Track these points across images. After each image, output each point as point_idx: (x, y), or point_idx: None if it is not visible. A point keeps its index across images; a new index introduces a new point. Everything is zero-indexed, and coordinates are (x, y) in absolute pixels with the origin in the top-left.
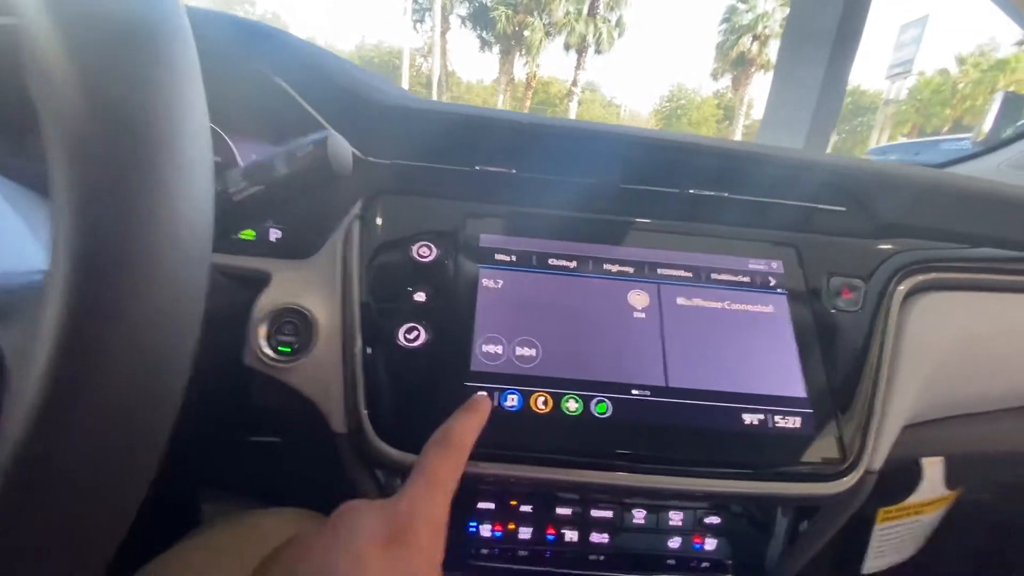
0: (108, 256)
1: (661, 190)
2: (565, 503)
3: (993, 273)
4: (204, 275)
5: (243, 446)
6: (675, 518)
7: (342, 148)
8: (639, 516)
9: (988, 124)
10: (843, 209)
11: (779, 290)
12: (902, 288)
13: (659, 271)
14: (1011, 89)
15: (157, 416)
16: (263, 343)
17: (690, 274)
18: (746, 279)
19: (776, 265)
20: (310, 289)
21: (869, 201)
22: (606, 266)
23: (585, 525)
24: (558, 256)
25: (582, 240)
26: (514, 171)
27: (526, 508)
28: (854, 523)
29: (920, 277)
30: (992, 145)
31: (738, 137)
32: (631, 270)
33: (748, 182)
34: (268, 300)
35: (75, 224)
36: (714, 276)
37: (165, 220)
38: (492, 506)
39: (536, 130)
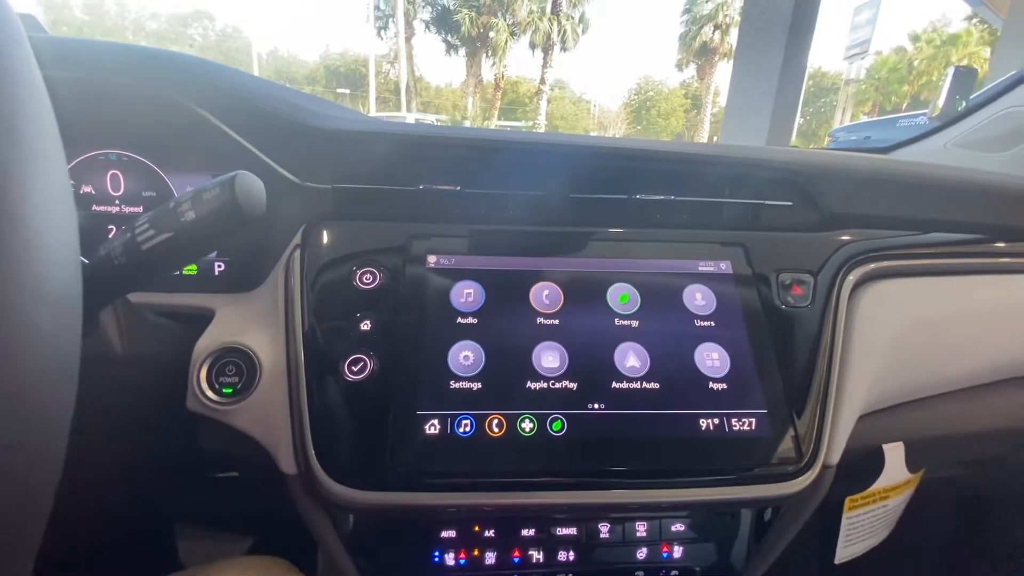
0: None
1: (609, 197)
2: (529, 524)
3: (941, 258)
4: (74, 345)
5: (209, 482)
6: (640, 529)
7: (253, 187)
8: (604, 530)
9: (942, 99)
10: (789, 204)
11: (729, 291)
12: (851, 279)
13: (609, 281)
14: (963, 63)
15: (24, 500)
16: (204, 386)
17: (641, 281)
18: (697, 282)
19: (725, 266)
20: (253, 325)
21: (814, 194)
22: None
23: (551, 544)
24: (507, 273)
25: (531, 254)
26: (459, 188)
27: (489, 532)
28: (822, 514)
29: (868, 267)
30: (947, 119)
31: (706, 124)
32: (581, 281)
33: (694, 184)
34: (209, 340)
35: None
36: (665, 281)
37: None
38: (454, 534)
39: (479, 145)
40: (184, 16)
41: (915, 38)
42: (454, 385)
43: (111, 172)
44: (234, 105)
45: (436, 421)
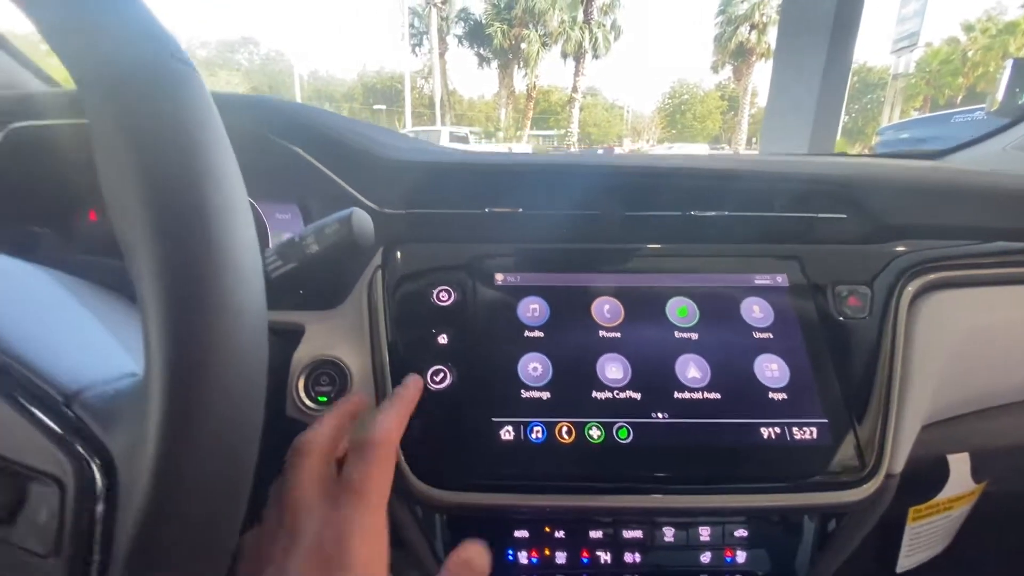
0: (194, 361)
1: (664, 214)
2: (597, 526)
3: (999, 267)
4: (265, 353)
5: None
6: (704, 533)
7: (366, 222)
8: (669, 534)
9: (1001, 93)
10: (843, 216)
11: (786, 303)
12: (909, 290)
13: (669, 295)
14: (1023, 52)
15: (240, 489)
16: (302, 394)
17: (699, 295)
18: (754, 295)
19: (781, 279)
20: (341, 339)
21: (868, 205)
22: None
23: (618, 546)
24: (570, 288)
25: (592, 270)
26: (521, 210)
27: (560, 533)
28: (885, 523)
29: (925, 278)
30: (1007, 114)
31: (744, 126)
32: (641, 296)
33: (747, 199)
34: (304, 353)
35: (165, 338)
36: (723, 295)
37: (236, 318)
38: (527, 534)
39: (538, 170)
40: (231, 43)
41: (968, 28)
42: (525, 394)
43: None
44: (320, 141)
45: (510, 428)
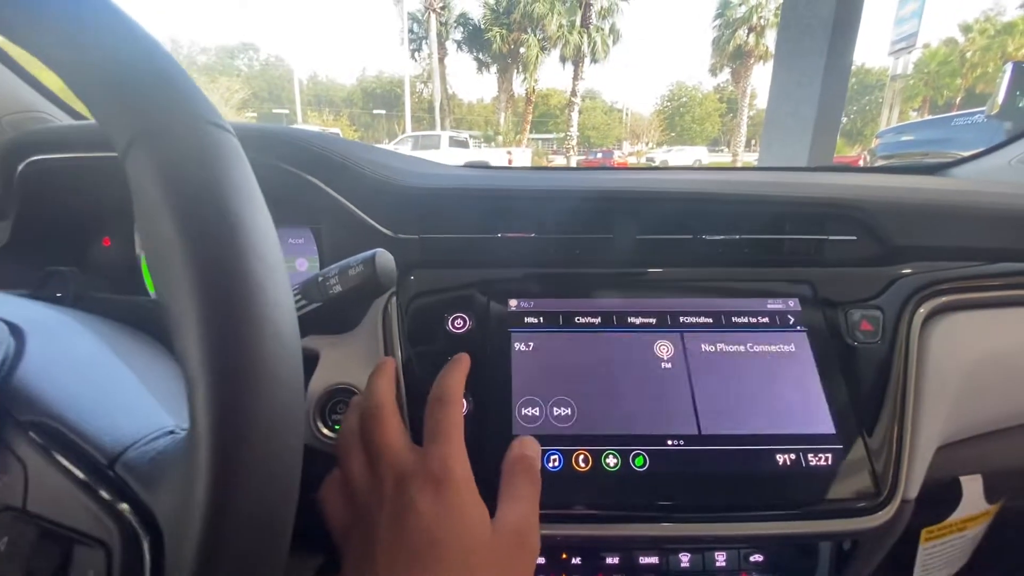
0: (239, 431)
1: (676, 238)
2: (613, 551)
3: (1011, 289)
4: (302, 412)
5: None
6: (720, 559)
7: (389, 263)
8: (685, 559)
9: (1001, 95)
10: (853, 239)
11: (799, 328)
12: (921, 312)
13: (681, 320)
14: (1022, 53)
15: (281, 548)
16: (319, 423)
17: (711, 320)
18: (766, 320)
19: (793, 303)
20: (355, 365)
21: (877, 228)
22: (630, 319)
23: (633, 571)
24: (583, 314)
25: (605, 295)
26: (534, 235)
27: (576, 560)
28: (899, 545)
29: (936, 300)
30: (1008, 116)
31: (743, 128)
32: (654, 321)
33: (758, 221)
34: (319, 380)
35: (210, 408)
36: (735, 320)
37: (277, 383)
38: (543, 560)
39: (551, 195)
40: (231, 48)
41: (966, 28)
42: (540, 422)
43: None
44: (335, 170)
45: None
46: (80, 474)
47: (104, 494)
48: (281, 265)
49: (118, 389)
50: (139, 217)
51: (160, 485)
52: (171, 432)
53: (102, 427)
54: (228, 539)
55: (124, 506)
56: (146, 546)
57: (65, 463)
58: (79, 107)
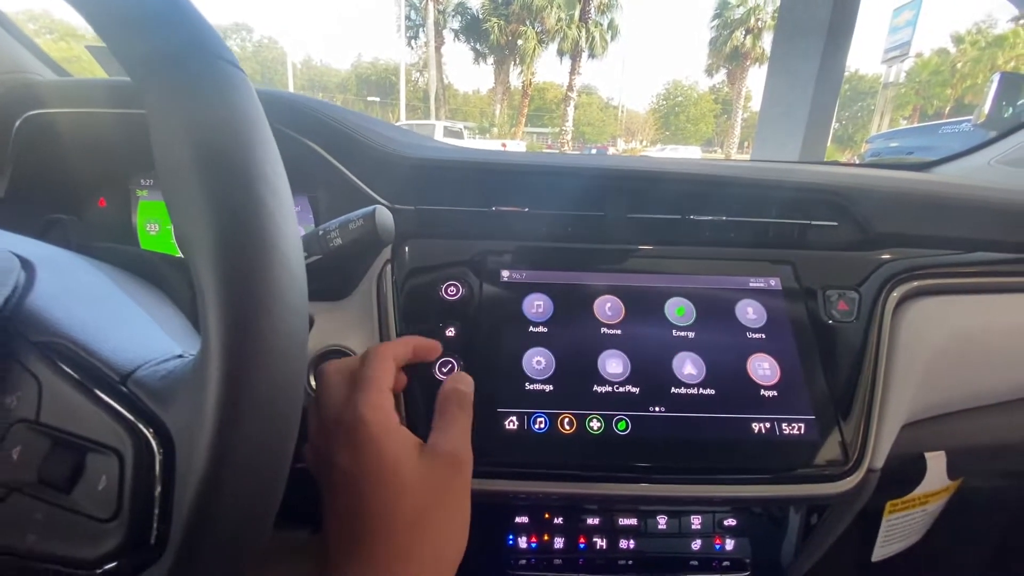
0: (249, 348)
1: (664, 217)
2: (594, 513)
3: (983, 276)
4: (307, 337)
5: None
6: (695, 522)
7: (388, 219)
8: (662, 522)
9: (988, 105)
10: (835, 224)
11: (779, 306)
12: (895, 295)
13: (667, 294)
14: (1011, 66)
15: (284, 463)
16: (313, 383)
17: (696, 295)
18: (748, 297)
19: (775, 282)
20: (349, 330)
21: (858, 214)
22: (617, 293)
23: (613, 533)
24: (572, 286)
25: (594, 269)
26: (527, 209)
27: (559, 520)
28: (864, 516)
29: (911, 284)
30: (992, 127)
31: (737, 129)
32: (641, 295)
33: (744, 204)
34: (314, 341)
35: (223, 326)
36: (719, 296)
37: (284, 307)
38: (527, 520)
39: (544, 171)
40: (224, 28)
41: (958, 39)
42: (529, 387)
43: None
44: (334, 137)
45: (514, 418)
46: (93, 388)
47: (117, 406)
48: (290, 199)
49: (127, 318)
50: (155, 143)
51: (172, 400)
52: (180, 356)
53: (114, 347)
54: (236, 447)
55: (136, 418)
56: (158, 455)
57: (78, 378)
58: (71, 68)
